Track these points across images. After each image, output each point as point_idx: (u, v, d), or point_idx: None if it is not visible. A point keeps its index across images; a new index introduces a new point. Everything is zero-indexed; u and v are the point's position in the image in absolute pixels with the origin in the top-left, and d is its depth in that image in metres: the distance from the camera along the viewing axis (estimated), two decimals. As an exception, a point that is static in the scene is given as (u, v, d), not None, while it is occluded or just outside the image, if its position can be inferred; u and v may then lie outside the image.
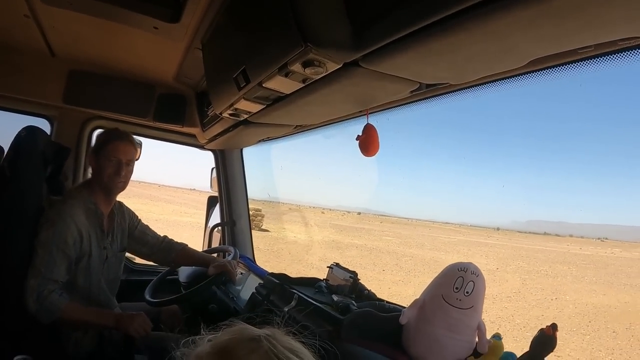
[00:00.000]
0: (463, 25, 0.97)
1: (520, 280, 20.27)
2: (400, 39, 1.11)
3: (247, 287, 2.86)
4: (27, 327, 2.22)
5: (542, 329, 1.61)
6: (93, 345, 2.42)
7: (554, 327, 1.59)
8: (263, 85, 1.59)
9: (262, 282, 2.57)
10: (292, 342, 0.82)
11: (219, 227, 3.69)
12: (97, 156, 2.43)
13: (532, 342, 1.61)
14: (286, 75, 1.45)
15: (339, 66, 1.34)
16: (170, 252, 2.81)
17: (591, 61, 1.32)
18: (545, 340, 1.58)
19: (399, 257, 22.99)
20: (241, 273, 3.06)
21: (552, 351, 1.59)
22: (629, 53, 1.24)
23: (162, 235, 2.89)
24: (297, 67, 1.36)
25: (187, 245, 2.90)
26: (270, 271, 2.72)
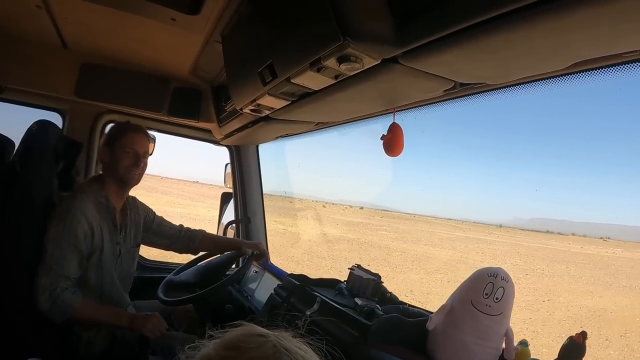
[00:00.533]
0: (519, 22, 0.93)
1: (513, 279, 19.77)
2: (447, 35, 1.06)
3: (262, 287, 2.83)
4: (37, 327, 2.17)
5: (571, 337, 1.59)
6: (105, 346, 2.37)
7: (583, 335, 1.57)
8: (291, 80, 1.53)
9: (280, 282, 2.53)
10: (299, 344, 0.80)
11: (233, 224, 3.64)
12: (112, 148, 2.40)
13: (560, 349, 1.60)
14: (318, 71, 1.39)
15: (376, 62, 1.29)
16: (192, 240, 2.85)
17: (633, 65, 1.27)
18: (574, 348, 1.57)
19: (389, 252, 22.68)
20: (255, 271, 3.02)
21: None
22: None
23: (177, 224, 2.89)
24: (331, 62, 1.30)
25: (205, 231, 2.93)
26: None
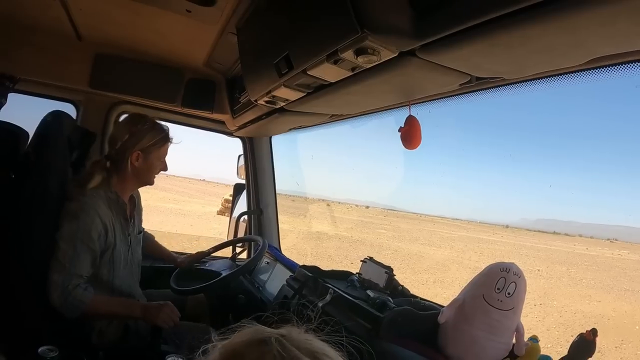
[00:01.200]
0: (536, 18, 0.93)
1: None
2: (466, 29, 1.06)
3: (274, 278, 2.84)
4: (50, 317, 2.19)
5: (581, 334, 1.58)
6: (118, 335, 2.39)
7: (594, 332, 1.56)
8: (307, 72, 1.54)
9: (291, 274, 2.54)
10: (311, 342, 0.77)
11: (245, 216, 3.65)
12: (148, 156, 2.38)
13: (570, 346, 1.58)
14: (335, 63, 1.40)
15: (394, 55, 1.29)
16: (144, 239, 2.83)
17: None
18: (584, 345, 1.56)
19: (380, 250, 22.16)
20: (267, 262, 3.03)
21: (591, 357, 1.55)
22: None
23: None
24: (348, 54, 1.31)
25: (153, 237, 2.97)
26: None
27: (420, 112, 1.88)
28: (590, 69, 1.38)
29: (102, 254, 2.29)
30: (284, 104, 2.05)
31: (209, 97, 3.12)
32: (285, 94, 1.86)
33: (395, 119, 1.79)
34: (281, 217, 3.68)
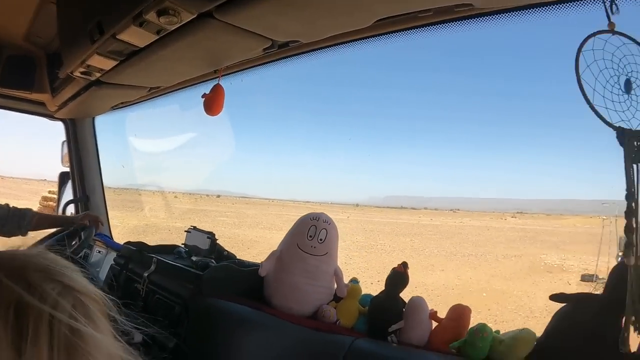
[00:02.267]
0: None
1: (345, 258, 18.44)
2: None
3: (107, 265, 2.71)
4: None
5: (394, 268, 1.72)
6: None
7: (404, 265, 1.72)
8: (117, 37, 1.56)
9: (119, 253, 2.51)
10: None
11: (73, 204, 3.47)
12: None
13: (386, 280, 1.71)
14: (140, 25, 1.44)
15: (193, 16, 1.35)
16: (22, 218, 2.62)
17: (431, 28, 1.45)
18: (398, 277, 1.69)
19: None
20: (99, 252, 2.92)
21: (405, 287, 1.70)
22: (464, 22, 1.39)
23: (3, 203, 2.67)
24: (151, 16, 1.35)
25: (32, 209, 2.72)
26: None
27: (234, 82, 1.98)
28: (380, 35, 1.56)
29: None
30: (99, 74, 2.02)
31: (29, 75, 2.87)
32: (99, 62, 1.85)
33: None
34: (113, 213, 3.54)
